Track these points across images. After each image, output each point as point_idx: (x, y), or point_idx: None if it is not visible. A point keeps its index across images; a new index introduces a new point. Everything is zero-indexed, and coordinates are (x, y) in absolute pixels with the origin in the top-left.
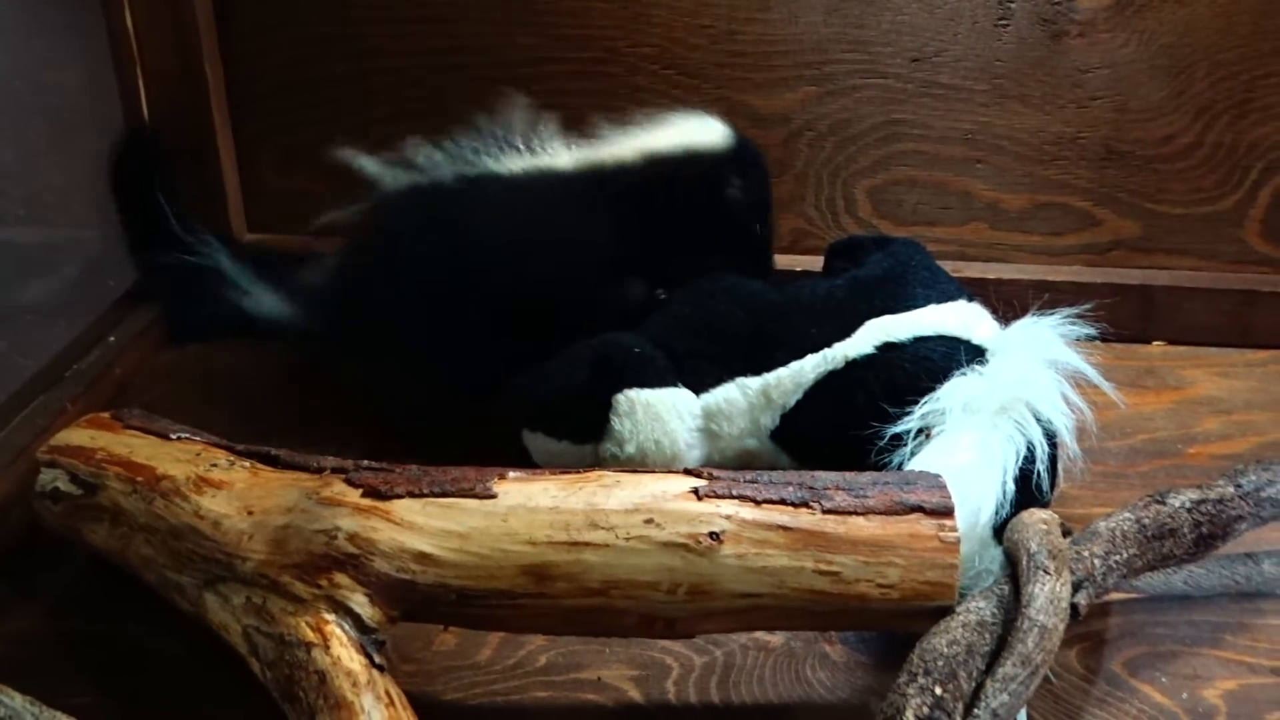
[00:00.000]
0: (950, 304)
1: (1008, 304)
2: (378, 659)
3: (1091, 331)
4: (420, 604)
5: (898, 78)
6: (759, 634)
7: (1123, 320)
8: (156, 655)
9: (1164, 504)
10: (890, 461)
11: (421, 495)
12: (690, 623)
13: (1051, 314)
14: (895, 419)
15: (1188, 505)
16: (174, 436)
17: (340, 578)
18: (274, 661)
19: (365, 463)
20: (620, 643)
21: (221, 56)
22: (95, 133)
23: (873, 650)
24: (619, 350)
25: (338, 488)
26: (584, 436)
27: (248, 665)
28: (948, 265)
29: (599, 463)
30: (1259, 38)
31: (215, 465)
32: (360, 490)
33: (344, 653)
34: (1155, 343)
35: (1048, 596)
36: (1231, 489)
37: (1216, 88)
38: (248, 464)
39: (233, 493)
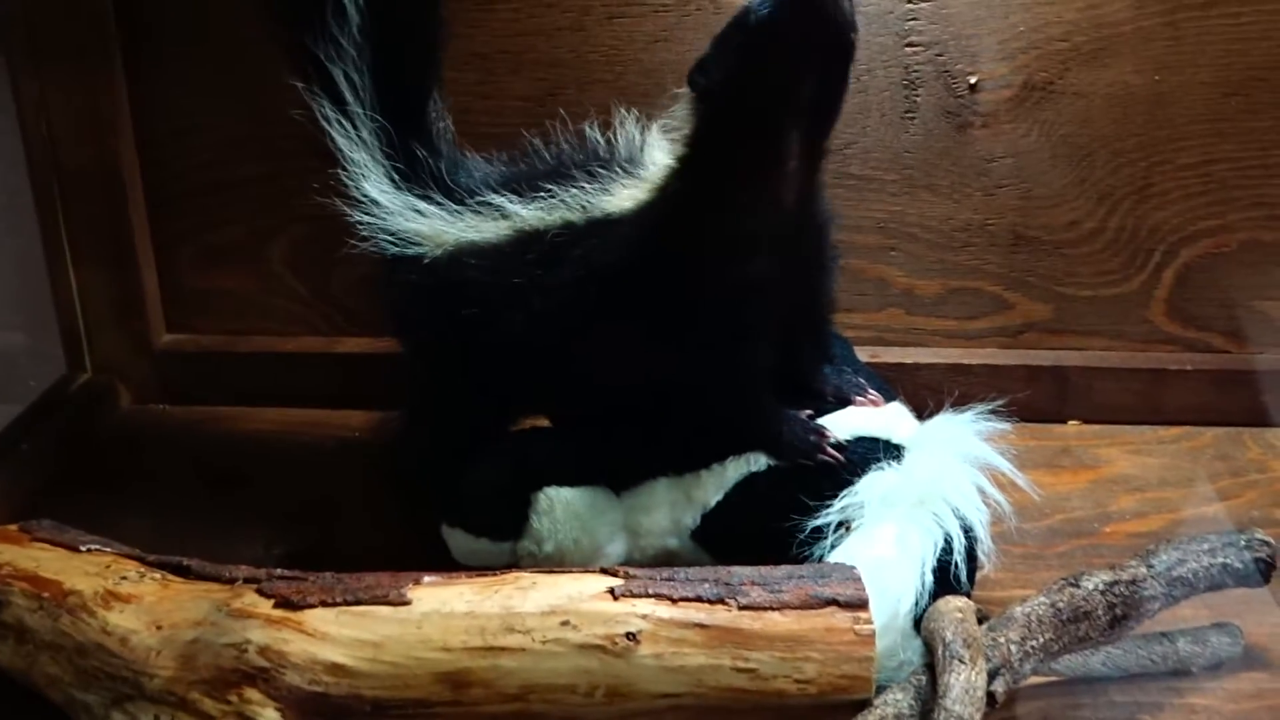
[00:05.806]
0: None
1: (926, 388)
2: None
3: (1004, 425)
4: (334, 716)
5: None
6: None
7: (1038, 401)
8: None
9: (1078, 587)
10: (810, 555)
11: (335, 604)
12: None
13: (966, 409)
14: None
15: (1101, 587)
16: (84, 548)
17: (251, 692)
18: None
19: (279, 571)
20: None
21: (139, 158)
22: (9, 234)
23: None
24: (539, 447)
25: (249, 599)
26: (503, 534)
27: None
28: (865, 351)
29: (518, 560)
30: (1154, 126)
31: (125, 578)
32: (272, 601)
33: None
34: (1070, 422)
35: (964, 686)
36: (1144, 569)
37: (1116, 174)
38: (159, 575)
39: (141, 607)
